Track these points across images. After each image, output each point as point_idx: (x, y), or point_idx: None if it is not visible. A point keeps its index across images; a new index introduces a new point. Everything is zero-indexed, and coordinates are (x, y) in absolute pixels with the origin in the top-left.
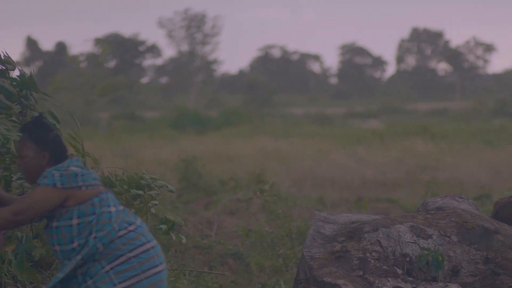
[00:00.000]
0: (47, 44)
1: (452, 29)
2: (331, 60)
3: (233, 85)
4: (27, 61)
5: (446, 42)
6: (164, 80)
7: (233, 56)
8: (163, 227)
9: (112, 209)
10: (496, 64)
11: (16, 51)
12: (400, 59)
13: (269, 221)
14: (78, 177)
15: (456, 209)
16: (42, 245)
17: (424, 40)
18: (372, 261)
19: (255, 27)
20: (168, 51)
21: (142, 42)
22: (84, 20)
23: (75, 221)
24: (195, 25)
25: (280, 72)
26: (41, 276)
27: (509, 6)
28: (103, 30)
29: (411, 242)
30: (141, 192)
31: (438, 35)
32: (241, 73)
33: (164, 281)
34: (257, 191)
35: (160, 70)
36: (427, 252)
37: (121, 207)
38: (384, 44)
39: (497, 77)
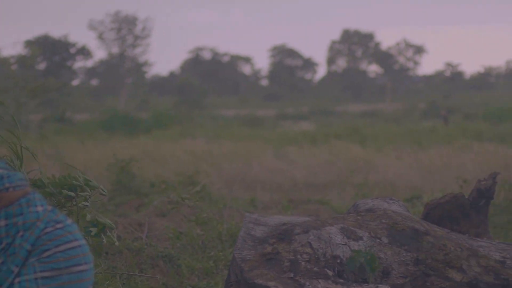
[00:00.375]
0: None
1: (382, 30)
2: (262, 62)
3: (164, 87)
4: None
5: (377, 44)
6: (94, 82)
7: (163, 58)
8: (94, 229)
9: (39, 208)
10: (426, 66)
11: None
12: (331, 61)
13: (200, 223)
14: (4, 179)
15: (387, 210)
16: None
17: (355, 42)
18: (303, 263)
19: (186, 29)
20: (99, 53)
21: (73, 44)
22: (14, 22)
23: (2, 223)
24: (125, 27)
25: (210, 74)
26: None
27: (439, 8)
28: (33, 32)
29: (342, 244)
30: (72, 193)
31: (368, 36)
32: (172, 75)
33: (86, 281)
34: (188, 193)
35: (90, 72)
36: (358, 254)
37: (49, 207)
38: (315, 45)
39: (427, 78)
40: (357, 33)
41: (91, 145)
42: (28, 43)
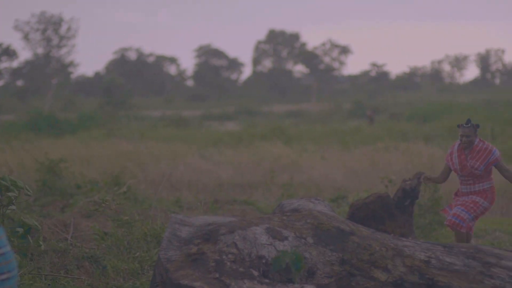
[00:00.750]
0: None
1: (308, 31)
2: (188, 63)
3: (89, 87)
4: None
5: (303, 45)
6: (20, 83)
7: (89, 58)
8: (20, 230)
9: None
10: (352, 66)
11: None
12: (256, 61)
13: (122, 225)
14: None
15: (312, 211)
16: None
17: (281, 42)
18: (228, 263)
19: (112, 30)
20: (24, 54)
21: None
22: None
23: None
24: (51, 28)
25: (136, 75)
26: None
27: (364, 8)
28: None
29: (267, 244)
30: None
31: (294, 37)
32: (97, 75)
33: None
34: (113, 194)
35: (16, 73)
36: (283, 254)
37: None
38: (240, 46)
39: (353, 78)
40: (282, 33)
41: (16, 146)
42: None
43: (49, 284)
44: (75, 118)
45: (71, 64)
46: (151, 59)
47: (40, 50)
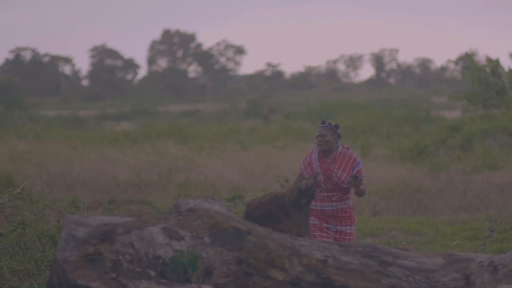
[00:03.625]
0: None
1: (204, 31)
2: (83, 63)
3: None
4: None
5: (198, 45)
6: None
7: None
8: None
9: None
10: (247, 66)
11: None
12: (151, 61)
13: (20, 224)
14: None
15: (209, 210)
16: None
17: (176, 43)
18: (125, 263)
19: (6, 30)
20: None
21: None
22: None
23: None
24: None
25: (31, 75)
26: None
27: (259, 10)
28: None
29: (164, 244)
30: None
31: (190, 37)
32: None
33: None
34: (7, 194)
35: None
36: (180, 254)
37: None
38: (135, 46)
39: (248, 78)
40: (178, 34)
41: None
42: None
43: None
44: None
45: None
46: (46, 59)
47: None
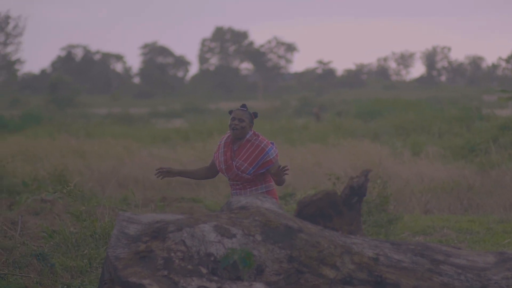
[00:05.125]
0: None
1: (255, 29)
2: (134, 60)
3: (35, 85)
4: None
5: (250, 42)
6: None
7: (35, 56)
8: None
9: None
10: (298, 64)
11: None
12: (203, 59)
13: (73, 221)
14: None
15: (260, 208)
16: None
17: (228, 40)
18: (177, 260)
19: (58, 27)
20: None
21: None
22: None
23: None
24: None
25: (82, 72)
26: None
27: (310, 5)
28: None
29: (216, 242)
30: None
31: (242, 35)
32: (44, 73)
33: None
34: (61, 191)
35: None
36: (232, 252)
37: None
38: (186, 43)
39: (299, 76)
40: (230, 31)
41: None
42: None
43: None
44: (21, 116)
45: (18, 61)
46: (97, 57)
47: None
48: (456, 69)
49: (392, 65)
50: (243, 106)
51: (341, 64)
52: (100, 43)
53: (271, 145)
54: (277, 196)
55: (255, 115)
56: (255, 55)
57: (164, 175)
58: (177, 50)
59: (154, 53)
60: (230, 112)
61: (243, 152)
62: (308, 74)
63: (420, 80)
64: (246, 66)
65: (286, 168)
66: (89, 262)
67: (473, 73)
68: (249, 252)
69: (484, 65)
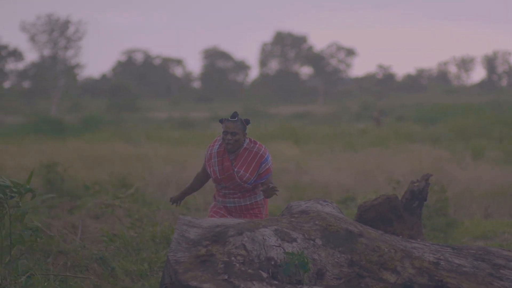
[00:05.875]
0: None
1: (314, 33)
2: (194, 64)
3: (96, 89)
4: None
5: (310, 47)
6: (26, 84)
7: (95, 60)
8: (27, 232)
9: None
10: (358, 68)
11: None
12: (263, 63)
13: (133, 225)
14: None
15: (320, 212)
16: None
17: (288, 44)
18: (237, 264)
19: (118, 32)
20: (31, 55)
21: (4, 47)
22: None
23: None
24: (58, 30)
25: (143, 77)
26: None
27: (370, 10)
28: None
29: (276, 246)
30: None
31: (301, 39)
32: (104, 77)
33: None
34: (121, 195)
35: (22, 74)
36: (291, 256)
37: None
38: (247, 48)
39: (358, 80)
40: (290, 35)
41: (22, 149)
42: None
43: (57, 285)
44: (81, 120)
45: (78, 66)
46: (157, 61)
47: (46, 52)
48: None
49: (453, 69)
50: (234, 115)
51: (401, 69)
52: (160, 48)
53: (267, 152)
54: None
55: (246, 122)
56: (315, 59)
57: (178, 204)
58: (237, 54)
59: (215, 57)
60: (221, 121)
61: (241, 162)
62: (368, 79)
63: (480, 84)
64: (306, 71)
65: (276, 189)
66: (150, 266)
67: None
68: (306, 257)
69: None
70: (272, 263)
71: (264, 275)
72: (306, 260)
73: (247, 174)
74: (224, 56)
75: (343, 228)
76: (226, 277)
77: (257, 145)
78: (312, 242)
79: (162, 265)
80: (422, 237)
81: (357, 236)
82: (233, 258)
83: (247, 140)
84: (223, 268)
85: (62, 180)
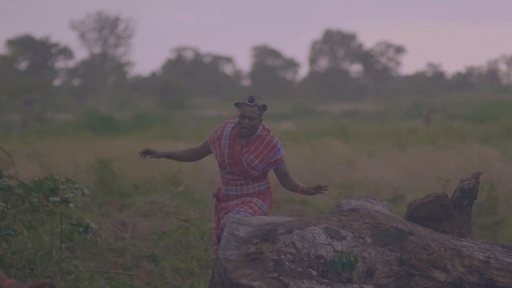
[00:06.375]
0: None
1: (363, 31)
2: (243, 62)
3: (145, 87)
4: None
5: (359, 45)
6: (76, 82)
7: (144, 58)
8: (77, 229)
9: None
10: (408, 66)
11: None
12: (312, 61)
13: (183, 223)
14: None
15: (370, 210)
16: None
17: (337, 42)
18: (287, 263)
19: (167, 30)
20: (80, 53)
21: (55, 45)
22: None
23: None
24: (108, 27)
25: (192, 74)
26: None
27: (419, 7)
28: (15, 31)
29: (326, 244)
30: (56, 198)
31: (350, 37)
32: (154, 75)
33: None
34: (171, 193)
35: (72, 72)
36: (341, 254)
37: None
38: (296, 45)
39: (408, 78)
40: (339, 33)
41: (73, 146)
42: (10, 43)
43: (106, 283)
44: (131, 118)
45: (128, 63)
46: (207, 59)
47: (96, 50)
48: None
49: (502, 67)
50: (251, 99)
51: (451, 66)
52: (210, 46)
53: (280, 142)
54: (273, 193)
55: (264, 107)
56: (364, 57)
57: (145, 155)
58: (287, 52)
59: (264, 55)
60: (237, 104)
61: (253, 148)
62: (417, 77)
63: None
64: (355, 69)
65: (325, 187)
66: (199, 264)
67: None
68: (355, 255)
69: None
70: (322, 261)
71: (314, 273)
72: (356, 259)
73: (256, 161)
74: (274, 54)
75: (393, 226)
76: (275, 275)
77: (271, 134)
78: (361, 240)
79: (211, 263)
80: (472, 236)
81: (407, 234)
82: (282, 256)
83: (261, 127)
84: (272, 266)
85: (114, 178)
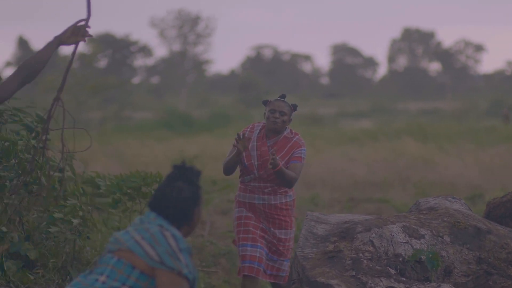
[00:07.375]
0: (38, 44)
1: (442, 29)
2: (322, 60)
3: (224, 85)
4: (19, 61)
5: (438, 43)
6: (155, 80)
7: (223, 56)
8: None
9: None
10: (487, 64)
11: (7, 51)
12: (391, 59)
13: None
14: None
15: (449, 209)
16: (33, 246)
17: (416, 40)
18: (365, 261)
19: (246, 28)
20: (160, 51)
21: (134, 43)
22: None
23: None
24: (188, 25)
25: (271, 72)
26: (33, 277)
27: (497, 7)
28: (95, 29)
29: (404, 242)
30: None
31: (429, 35)
32: (233, 73)
33: None
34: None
35: (151, 70)
36: (419, 252)
37: None
38: (375, 44)
39: (487, 77)
40: (417, 32)
41: (152, 144)
42: (90, 41)
43: None
44: (210, 116)
45: (207, 61)
46: (286, 57)
47: (175, 47)
48: None
49: None
50: (282, 96)
51: None
52: (288, 44)
53: (304, 145)
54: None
55: (294, 107)
56: (443, 55)
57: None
58: (366, 50)
59: (343, 53)
60: (265, 102)
61: (279, 149)
62: (497, 76)
63: None
64: (434, 67)
65: (274, 161)
66: None
67: None
68: (436, 253)
69: None
70: (400, 259)
71: (392, 271)
72: (437, 257)
73: (283, 162)
74: (353, 52)
75: (472, 225)
76: (353, 273)
77: (298, 137)
78: (440, 239)
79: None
80: None
81: (486, 233)
82: (360, 254)
83: (288, 130)
84: (350, 264)
85: None
